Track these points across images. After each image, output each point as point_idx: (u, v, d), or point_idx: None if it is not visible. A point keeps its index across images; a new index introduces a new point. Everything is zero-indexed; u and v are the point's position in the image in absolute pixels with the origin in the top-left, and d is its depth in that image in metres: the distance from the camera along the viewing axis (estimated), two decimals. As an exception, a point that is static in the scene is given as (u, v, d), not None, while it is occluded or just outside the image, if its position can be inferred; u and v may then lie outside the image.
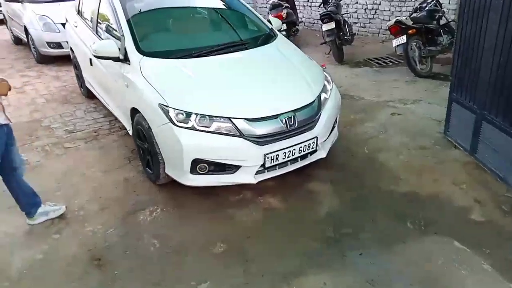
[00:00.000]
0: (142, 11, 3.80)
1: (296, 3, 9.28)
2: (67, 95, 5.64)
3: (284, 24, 7.39)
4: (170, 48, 3.44)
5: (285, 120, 2.94)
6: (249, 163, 2.91)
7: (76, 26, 4.92)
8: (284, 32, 7.41)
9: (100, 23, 4.13)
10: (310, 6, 8.77)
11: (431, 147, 3.74)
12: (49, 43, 6.95)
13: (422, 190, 3.12)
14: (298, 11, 9.26)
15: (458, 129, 3.55)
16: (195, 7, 4.19)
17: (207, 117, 2.84)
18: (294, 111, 3.00)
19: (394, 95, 4.97)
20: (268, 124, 2.92)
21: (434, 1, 5.75)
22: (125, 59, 3.40)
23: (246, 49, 3.61)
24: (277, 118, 2.94)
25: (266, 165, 2.94)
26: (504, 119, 2.87)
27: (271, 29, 4.01)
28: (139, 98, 3.18)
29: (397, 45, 5.42)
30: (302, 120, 3.04)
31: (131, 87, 3.30)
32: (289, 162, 3.10)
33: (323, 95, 3.29)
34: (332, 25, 6.20)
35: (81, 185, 3.41)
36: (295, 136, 3.02)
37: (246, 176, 2.96)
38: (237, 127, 2.85)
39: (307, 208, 3.01)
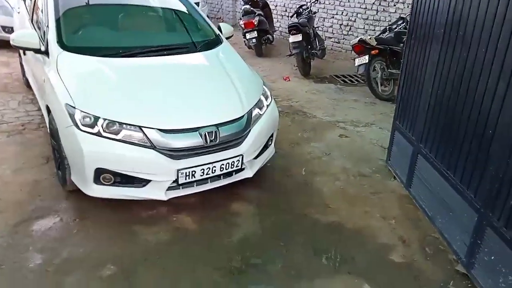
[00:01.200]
0: (77, 5, 3.53)
1: (274, 12, 9.12)
2: (9, 83, 5.30)
3: (255, 32, 7.22)
4: (96, 45, 3.17)
5: (205, 134, 2.69)
6: (159, 178, 2.65)
7: (19, 12, 4.61)
8: (254, 40, 7.24)
9: (35, 12, 3.84)
10: (288, 16, 8.59)
11: (370, 175, 3.54)
12: (3, 27, 6.61)
13: (349, 222, 2.90)
14: (275, 19, 9.09)
15: (398, 159, 3.36)
16: (139, 5, 3.93)
17: (116, 123, 2.58)
18: (217, 125, 2.76)
19: (348, 115, 4.78)
20: (185, 137, 2.66)
21: (404, 23, 5.62)
22: (46, 52, 3.12)
23: (183, 53, 3.36)
24: (196, 131, 2.69)
25: (180, 181, 2.69)
26: (437, 155, 2.67)
27: (218, 35, 3.78)
28: (51, 95, 2.89)
29: (359, 65, 5.24)
30: (226, 135, 2.79)
31: (46, 82, 3.02)
32: (209, 180, 2.85)
33: (255, 111, 3.05)
34: (299, 37, 6.00)
35: (-16, 183, 3.10)
36: (216, 152, 2.77)
37: (156, 192, 2.70)
38: (148, 138, 2.58)
39: (222, 231, 2.76)
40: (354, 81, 6.27)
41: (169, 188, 2.72)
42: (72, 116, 2.59)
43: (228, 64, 3.39)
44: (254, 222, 2.87)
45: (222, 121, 2.78)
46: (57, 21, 3.21)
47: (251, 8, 7.45)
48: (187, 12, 3.95)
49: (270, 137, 3.25)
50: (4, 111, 4.40)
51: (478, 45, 2.21)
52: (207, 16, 9.29)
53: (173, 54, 3.31)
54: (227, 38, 3.99)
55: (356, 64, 5.31)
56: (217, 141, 2.74)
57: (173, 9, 4.03)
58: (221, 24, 4.02)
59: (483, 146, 2.16)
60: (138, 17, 3.79)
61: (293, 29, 6.02)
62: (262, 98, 3.21)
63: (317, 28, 8.13)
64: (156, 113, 2.67)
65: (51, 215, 2.80)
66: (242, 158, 2.88)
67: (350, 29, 7.75)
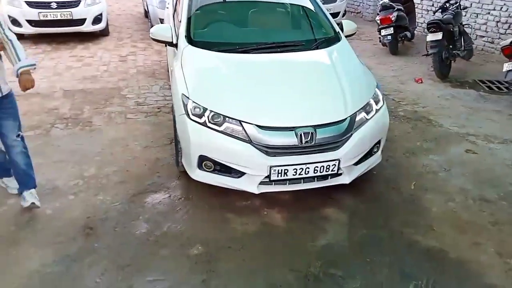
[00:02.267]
0: (210, 2, 3.84)
1: (419, 6, 8.38)
2: (156, 70, 6.09)
3: (391, 28, 6.76)
4: (217, 40, 3.40)
5: (301, 134, 2.67)
6: (252, 172, 2.75)
7: (167, 8, 5.22)
8: (390, 37, 6.81)
9: (177, 8, 4.31)
10: (434, 12, 7.79)
11: (495, 201, 3.03)
12: (161, 19, 7.55)
13: (452, 251, 2.55)
14: (419, 15, 8.35)
15: (533, 188, 2.79)
16: (264, 2, 4.06)
17: (220, 116, 2.76)
18: (314, 126, 2.71)
19: (483, 128, 4.14)
20: (280, 135, 2.69)
21: None
22: (177, 45, 3.49)
23: (297, 51, 3.38)
24: (292, 131, 2.69)
25: (272, 178, 2.74)
26: None
27: (337, 33, 3.67)
28: (173, 84, 3.24)
29: (508, 70, 4.47)
30: (323, 138, 2.73)
31: (173, 72, 3.38)
32: (302, 180, 2.83)
33: (361, 115, 2.90)
34: (438, 35, 5.40)
35: (119, 155, 3.66)
36: (311, 153, 2.73)
37: (249, 184, 2.80)
38: (246, 132, 2.70)
39: (309, 233, 2.73)
40: (503, 88, 5.37)
41: (262, 183, 2.79)
42: (185, 106, 2.87)
43: (340, 63, 3.28)
44: (343, 232, 2.76)
45: (320, 123, 2.73)
46: (189, 17, 3.55)
47: (390, 3, 6.97)
48: (310, 8, 3.93)
49: (376, 144, 3.06)
50: (147, 94, 5.09)
51: None
52: (345, 12, 9.14)
53: (287, 52, 3.35)
54: (349, 36, 3.86)
55: (504, 69, 4.54)
56: (313, 142, 2.70)
57: (298, 5, 4.06)
58: (343, 21, 3.89)
59: None
60: (262, 14, 3.91)
61: (433, 26, 5.43)
62: (372, 102, 3.02)
63: (466, 26, 7.21)
64: (256, 110, 2.76)
65: (162, 191, 3.16)
66: (339, 163, 2.78)
67: (509, 27, 6.63)
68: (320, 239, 2.69)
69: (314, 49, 3.42)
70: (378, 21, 6.92)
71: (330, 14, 8.93)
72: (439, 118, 4.40)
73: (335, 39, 3.61)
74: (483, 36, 7.12)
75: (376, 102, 3.06)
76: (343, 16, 8.92)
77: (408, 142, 3.92)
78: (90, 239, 2.64)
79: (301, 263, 2.47)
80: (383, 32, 6.86)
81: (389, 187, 3.24)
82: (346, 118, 2.81)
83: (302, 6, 4.00)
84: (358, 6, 10.62)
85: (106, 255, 2.51)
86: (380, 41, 7.23)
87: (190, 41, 3.38)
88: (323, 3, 8.91)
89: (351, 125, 2.83)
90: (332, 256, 2.54)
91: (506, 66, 4.50)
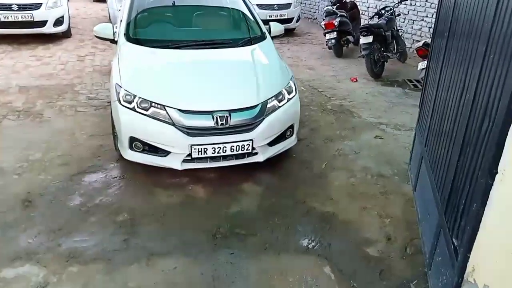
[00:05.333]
0: (148, 6, 4.26)
1: (366, 13, 9.02)
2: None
3: (335, 33, 7.32)
4: (152, 38, 3.82)
5: (217, 117, 3.10)
6: (176, 150, 3.15)
7: (119, 10, 5.59)
8: (333, 41, 7.35)
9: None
10: (370, 17, 8.41)
11: (389, 176, 3.54)
12: (120, 22, 7.90)
13: (342, 214, 3.02)
14: (366, 21, 8.98)
15: (414, 163, 3.30)
16: (198, 5, 4.50)
17: (147, 101, 3.16)
18: (229, 111, 3.14)
19: (396, 119, 4.69)
20: (199, 118, 3.11)
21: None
22: (116, 42, 3.88)
23: (223, 47, 3.83)
24: (210, 114, 3.12)
25: (193, 156, 3.15)
26: (430, 159, 2.64)
27: (263, 33, 4.14)
28: (111, 75, 3.62)
29: (422, 69, 5.05)
30: (237, 121, 3.17)
31: (112, 66, 3.77)
32: (221, 158, 3.25)
33: (273, 102, 3.35)
34: (369, 39, 5.97)
35: (65, 142, 3.99)
36: (226, 134, 3.16)
37: (174, 162, 3.20)
38: (169, 115, 3.10)
39: (224, 204, 3.14)
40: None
41: (185, 161, 3.19)
42: (118, 93, 3.25)
43: (260, 59, 3.75)
44: (254, 201, 3.19)
45: (234, 108, 3.16)
46: (128, 17, 3.95)
47: (334, 10, 7.56)
48: (242, 12, 4.39)
49: (289, 128, 3.52)
50: (99, 90, 5.43)
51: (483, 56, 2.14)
52: (299, 17, 9.64)
53: (214, 48, 3.80)
54: (277, 36, 4.34)
55: (418, 68, 5.12)
56: (228, 124, 3.13)
57: (232, 9, 4.52)
58: (272, 24, 4.36)
59: (461, 156, 2.13)
60: (197, 17, 4.34)
61: (364, 30, 6.01)
62: (284, 91, 3.48)
63: (404, 31, 7.86)
64: (178, 96, 3.18)
65: (100, 172, 3.52)
66: (252, 143, 3.22)
67: (439, 32, 7.30)
68: (233, 207, 3.11)
69: (239, 46, 3.88)
70: (323, 26, 7.48)
71: (285, 19, 9.48)
72: (360, 111, 4.93)
73: (261, 38, 4.07)
74: (419, 41, 7.77)
75: (289, 92, 3.53)
76: (297, 21, 9.49)
77: (329, 131, 4.42)
78: (28, 210, 2.98)
79: (213, 225, 2.88)
80: (328, 36, 7.42)
81: (303, 167, 3.70)
82: (258, 104, 3.26)
83: (236, 10, 4.46)
84: (314, 12, 11.23)
85: (41, 221, 2.85)
86: (326, 45, 7.79)
87: (128, 38, 3.78)
88: (277, 9, 9.45)
89: (263, 110, 3.28)
90: (240, 220, 2.96)
91: (420, 65, 5.09)
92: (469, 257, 1.59)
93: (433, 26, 3.19)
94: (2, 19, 7.49)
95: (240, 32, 4.21)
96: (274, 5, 9.08)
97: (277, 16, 8.95)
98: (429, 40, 5.04)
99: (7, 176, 3.37)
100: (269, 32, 4.26)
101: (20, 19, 7.64)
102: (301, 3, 11.02)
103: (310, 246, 2.70)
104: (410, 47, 7.74)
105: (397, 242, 2.74)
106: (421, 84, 6.02)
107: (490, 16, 1.80)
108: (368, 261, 2.58)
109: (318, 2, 10.84)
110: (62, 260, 2.49)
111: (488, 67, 1.75)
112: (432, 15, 7.40)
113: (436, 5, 3.50)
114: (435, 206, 2.33)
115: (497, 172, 1.43)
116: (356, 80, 6.18)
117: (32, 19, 7.70)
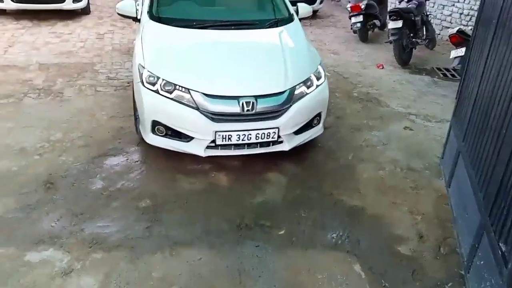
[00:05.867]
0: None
1: (392, -4, 8.67)
2: (131, 48, 6.29)
3: (361, 16, 7.06)
4: (177, 17, 3.67)
5: (243, 103, 2.98)
6: (200, 136, 3.05)
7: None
8: (359, 24, 7.09)
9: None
10: (400, 1, 8.08)
11: (420, 171, 3.39)
12: None
13: (371, 209, 2.91)
14: (394, 5, 8.64)
15: (448, 158, 3.15)
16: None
17: (171, 84, 3.04)
18: (256, 97, 3.01)
19: (426, 110, 4.49)
20: (224, 103, 2.99)
21: None
22: (139, 20, 3.75)
23: (251, 29, 3.67)
24: (235, 99, 2.99)
25: (217, 142, 3.04)
26: (470, 155, 2.49)
27: (291, 14, 3.96)
28: (133, 54, 3.51)
29: (455, 57, 4.81)
30: (264, 107, 3.04)
31: (134, 45, 3.65)
32: (246, 146, 3.14)
33: (301, 89, 3.21)
34: (398, 23, 5.72)
35: (85, 123, 3.93)
36: (252, 121, 3.04)
37: (197, 148, 3.10)
38: (194, 99, 2.99)
39: (248, 193, 3.05)
40: (457, 75, 5.73)
41: (209, 147, 3.09)
42: (141, 75, 3.14)
43: (288, 42, 3.59)
44: (279, 192, 3.09)
45: (261, 94, 3.03)
46: (153, -5, 3.81)
47: (361, -8, 7.27)
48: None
49: (316, 116, 3.38)
50: (119, 70, 5.34)
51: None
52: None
53: (241, 29, 3.64)
54: (304, 18, 4.16)
55: (451, 56, 4.88)
56: (254, 111, 3.00)
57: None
58: (300, 5, 4.16)
59: (504, 152, 1.99)
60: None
61: (393, 14, 5.75)
62: (313, 77, 3.33)
63: (434, 16, 7.55)
64: (203, 79, 3.05)
65: (121, 155, 3.45)
66: (279, 130, 3.10)
67: (470, 19, 6.98)
68: (258, 197, 3.02)
69: (266, 28, 3.71)
70: (349, 9, 7.21)
71: (308, 0, 9.19)
72: (388, 100, 4.74)
73: (288, 20, 3.89)
74: (448, 27, 7.45)
75: (318, 78, 3.38)
76: (320, 3, 9.19)
77: (355, 120, 4.26)
78: (50, 192, 2.93)
79: (237, 215, 2.80)
80: (353, 19, 7.16)
81: (329, 157, 3.57)
82: (285, 91, 3.12)
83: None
84: (338, -6, 10.88)
85: (63, 205, 2.80)
86: (351, 28, 7.52)
87: (152, 16, 3.65)
88: (301, -10, 9.13)
89: (290, 97, 3.14)
90: (265, 210, 2.87)
91: (453, 53, 4.85)
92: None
93: (477, 12, 2.97)
94: (23, -6, 7.42)
95: (267, 13, 4.03)
96: (297, -15, 8.78)
97: (300, -3, 8.66)
98: (463, 27, 4.80)
99: (29, 156, 3.33)
100: (297, 14, 4.07)
101: (40, -6, 7.56)
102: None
103: (338, 241, 2.59)
104: (439, 34, 7.43)
105: (430, 241, 2.62)
106: (451, 74, 5.78)
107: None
108: (399, 260, 2.47)
109: (342, -16, 10.48)
110: (85, 246, 2.44)
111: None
112: (464, 0, 7.07)
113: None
114: (476, 205, 2.20)
115: None
116: (383, 67, 5.96)
117: (52, -5, 7.61)
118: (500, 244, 1.79)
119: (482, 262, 1.99)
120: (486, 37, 2.69)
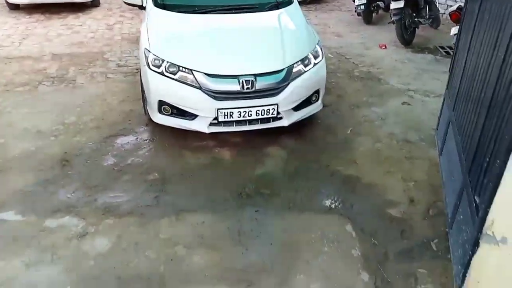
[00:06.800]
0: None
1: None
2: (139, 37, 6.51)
3: (365, -3, 7.10)
4: (179, 3, 3.84)
5: (243, 81, 3.14)
6: (203, 114, 3.23)
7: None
8: (363, 7, 7.14)
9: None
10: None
11: (416, 142, 3.52)
12: (147, -9, 7.93)
13: (366, 178, 3.07)
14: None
15: (441, 128, 3.26)
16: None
17: (176, 66, 3.22)
18: (255, 75, 3.18)
19: (425, 86, 4.59)
20: (225, 82, 3.17)
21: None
22: (145, 8, 3.94)
23: (250, 12, 3.82)
24: (236, 78, 3.16)
25: (220, 119, 3.23)
26: (457, 123, 2.61)
27: (291, -3, 4.09)
28: (140, 40, 3.70)
29: (454, 34, 4.85)
30: (263, 85, 3.20)
31: (141, 31, 3.84)
32: (247, 122, 3.32)
33: (299, 67, 3.36)
34: (400, 3, 5.77)
35: (97, 107, 4.15)
36: (252, 99, 3.21)
37: (201, 125, 3.29)
38: (196, 79, 3.17)
39: (249, 165, 3.24)
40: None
41: (212, 124, 3.27)
42: (146, 58, 3.33)
43: (286, 23, 3.73)
44: (279, 164, 3.26)
45: (260, 72, 3.19)
46: (156, -17, 3.98)
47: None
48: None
49: (314, 93, 3.53)
50: (128, 57, 5.54)
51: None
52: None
53: (242, 13, 3.80)
54: (303, 1, 4.28)
55: (451, 33, 4.93)
56: (253, 88, 3.17)
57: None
58: (298, -13, 4.29)
59: (488, 117, 2.11)
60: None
61: (395, -6, 5.81)
62: (311, 56, 3.47)
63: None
64: (205, 60, 3.23)
65: (131, 135, 3.66)
66: (278, 107, 3.26)
67: (475, -4, 6.96)
68: (258, 169, 3.20)
69: (266, 11, 3.86)
70: (353, -9, 7.26)
71: (312, -15, 9.13)
72: (388, 78, 4.85)
73: (288, 2, 4.02)
74: (452, 6, 7.44)
75: (315, 57, 3.51)
76: (324, -14, 9.22)
77: (356, 98, 4.39)
78: (66, 168, 3.17)
79: (239, 185, 2.99)
80: (357, 1, 7.20)
81: (328, 133, 3.73)
82: (283, 69, 3.27)
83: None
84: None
85: (78, 179, 3.04)
86: (355, 11, 7.57)
87: (156, 3, 3.83)
88: (306, -27, 9.11)
89: (288, 74, 3.29)
90: (265, 181, 3.05)
91: (453, 30, 4.89)
92: (488, 211, 1.62)
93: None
94: (34, -11, 7.67)
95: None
96: (301, -30, 8.84)
97: (304, -19, 8.73)
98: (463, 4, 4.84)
99: (45, 138, 3.57)
100: (296, -3, 4.20)
101: (51, -11, 7.80)
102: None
103: (332, 206, 2.77)
104: (444, 13, 7.42)
105: (420, 204, 2.77)
106: (453, 50, 5.81)
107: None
108: (390, 221, 2.63)
109: (348, -33, 10.44)
110: (98, 213, 2.67)
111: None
112: (469, -22, 7.03)
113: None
114: (459, 168, 2.33)
115: (521, 127, 1.43)
116: (385, 47, 6.03)
117: (62, -11, 7.85)
118: (475, 197, 1.94)
119: (461, 217, 2.13)
120: (473, 10, 2.79)
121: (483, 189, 1.86)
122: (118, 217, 2.64)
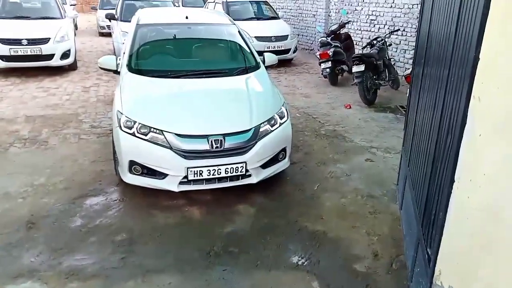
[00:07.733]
0: (150, 39, 4.53)
1: (360, 43, 9.37)
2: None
3: (329, 62, 7.62)
4: (152, 68, 4.08)
5: (212, 141, 3.29)
6: (173, 173, 3.32)
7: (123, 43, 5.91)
8: (328, 70, 7.63)
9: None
10: (363, 47, 8.77)
11: (379, 197, 3.67)
12: (124, 55, 8.27)
13: (332, 233, 3.15)
14: (360, 51, 9.32)
15: (400, 183, 3.45)
16: (197, 38, 4.78)
17: (146, 127, 3.35)
18: (224, 135, 3.33)
19: (386, 143, 4.86)
20: (194, 142, 3.30)
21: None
22: (119, 73, 4.13)
23: (220, 76, 4.07)
24: (205, 138, 3.31)
25: (189, 178, 3.32)
26: (412, 176, 2.79)
27: (258, 63, 4.39)
28: (113, 102, 3.85)
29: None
30: (231, 144, 3.35)
31: (114, 94, 4.00)
32: (216, 180, 3.41)
33: (265, 127, 3.54)
34: (361, 67, 6.24)
35: (68, 168, 4.17)
36: (221, 157, 3.34)
37: (171, 184, 3.36)
38: (167, 140, 3.29)
39: (219, 224, 3.27)
40: (420, 112, 6.18)
41: (182, 183, 3.35)
42: (119, 120, 3.46)
43: (253, 86, 3.99)
44: (248, 222, 3.32)
45: (228, 132, 3.35)
46: (131, 50, 4.22)
47: (328, 40, 7.90)
48: (238, 43, 4.66)
49: (281, 151, 3.69)
50: (103, 119, 5.66)
51: (447, 79, 2.34)
52: (296, 48, 9.99)
53: (211, 77, 4.04)
54: (271, 66, 4.60)
55: (407, 94, 5.33)
56: (222, 148, 3.31)
57: (229, 41, 4.79)
58: (266, 54, 4.63)
59: (433, 170, 2.29)
60: (196, 48, 4.62)
61: (356, 59, 6.29)
62: (276, 116, 3.68)
63: (396, 60, 8.17)
64: (175, 121, 3.38)
65: (101, 195, 3.67)
66: (246, 165, 3.39)
67: (430, 61, 7.59)
68: (227, 227, 3.24)
69: (234, 75, 4.12)
70: (318, 56, 7.80)
71: (282, 50, 9.85)
72: (353, 136, 5.11)
73: (255, 67, 4.32)
74: (409, 69, 8.06)
75: (281, 117, 3.73)
76: (294, 52, 9.85)
77: (322, 155, 4.58)
78: (31, 231, 3.12)
79: (207, 244, 3.01)
80: (323, 65, 7.72)
81: (296, 189, 3.85)
82: (251, 129, 3.45)
83: (233, 42, 4.74)
84: (311, 43, 11.64)
85: (43, 241, 2.99)
86: (322, 74, 8.07)
87: (130, 69, 4.04)
88: (274, 41, 9.82)
89: (256, 134, 3.47)
90: (234, 239, 3.09)
91: (409, 91, 5.30)
92: (436, 262, 1.72)
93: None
94: (12, 53, 7.86)
95: (236, 62, 4.47)
96: (271, 37, 9.47)
97: (274, 47, 9.32)
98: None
99: (12, 200, 3.53)
100: (263, 62, 4.51)
101: (29, 53, 8.00)
102: (298, 35, 11.44)
103: (299, 262, 2.81)
104: (403, 75, 8.01)
105: (384, 258, 2.85)
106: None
107: (450, 41, 2.01)
108: (355, 276, 2.68)
109: (315, 34, 11.26)
110: (62, 277, 2.61)
111: (450, 89, 1.94)
112: (423, 44, 7.72)
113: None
114: (415, 221, 2.47)
115: (454, 181, 1.59)
116: (350, 107, 6.40)
117: (40, 53, 8.06)
118: (427, 249, 2.05)
119: (418, 269, 2.22)
120: (419, 73, 3.10)
121: (433, 241, 1.98)
122: (82, 280, 2.59)
